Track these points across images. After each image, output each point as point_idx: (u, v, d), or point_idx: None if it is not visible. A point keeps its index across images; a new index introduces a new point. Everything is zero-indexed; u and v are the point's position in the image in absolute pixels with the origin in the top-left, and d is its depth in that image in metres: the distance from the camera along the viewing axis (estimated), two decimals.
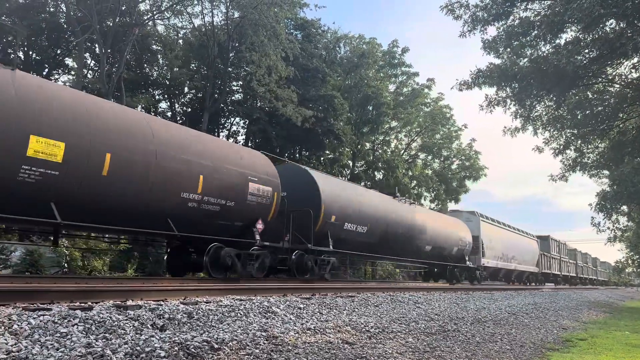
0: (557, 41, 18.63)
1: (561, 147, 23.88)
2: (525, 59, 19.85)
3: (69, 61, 27.68)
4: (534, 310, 13.81)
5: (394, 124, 41.05)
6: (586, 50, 18.32)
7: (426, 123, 42.02)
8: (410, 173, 41.58)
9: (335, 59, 35.55)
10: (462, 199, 43.80)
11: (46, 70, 26.56)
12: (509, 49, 19.90)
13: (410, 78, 40.97)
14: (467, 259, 23.87)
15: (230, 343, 4.78)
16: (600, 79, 21.11)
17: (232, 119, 32.68)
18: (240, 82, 29.88)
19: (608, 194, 21.30)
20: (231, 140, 32.51)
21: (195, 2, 26.46)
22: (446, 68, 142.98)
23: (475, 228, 25.38)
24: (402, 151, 42.79)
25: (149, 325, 5.06)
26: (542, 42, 18.86)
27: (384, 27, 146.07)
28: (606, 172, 25.33)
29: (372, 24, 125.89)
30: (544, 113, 22.69)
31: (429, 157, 44.36)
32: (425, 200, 43.87)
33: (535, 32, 18.44)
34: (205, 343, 4.58)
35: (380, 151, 40.64)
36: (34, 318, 4.41)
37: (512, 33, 19.05)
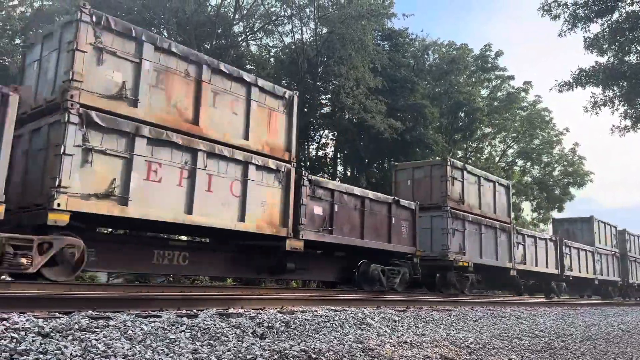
0: None
1: None
2: (635, 56, 18.34)
3: None
4: None
5: (487, 130, 39.46)
6: None
7: (523, 128, 39.96)
8: (507, 182, 39.75)
9: (423, 67, 34.98)
10: (565, 207, 40.99)
11: None
12: (614, 46, 18.50)
13: (505, 82, 39.24)
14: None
15: (327, 353, 4.82)
16: None
17: (322, 132, 33.21)
18: (329, 96, 30.34)
19: None
20: (320, 152, 33.06)
21: (286, 21, 27.38)
22: (542, 68, 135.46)
23: None
24: (497, 158, 41.01)
25: (249, 333, 5.25)
26: None
27: (475, 27, 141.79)
28: None
29: (461, 25, 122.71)
30: None
31: (528, 164, 42.06)
32: (525, 210, 41.56)
33: None
34: (303, 352, 4.66)
35: (473, 159, 39.26)
36: (145, 324, 4.73)
37: (617, 29, 17.73)
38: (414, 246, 14.11)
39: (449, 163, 16.19)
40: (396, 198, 13.81)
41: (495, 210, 18.24)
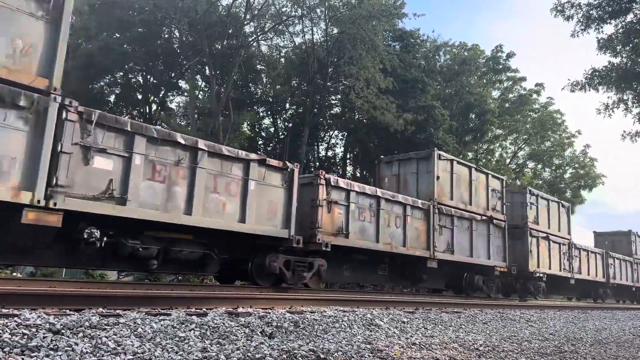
0: None
1: None
2: None
3: (182, 83, 29.92)
4: None
5: (498, 131, 39.24)
6: None
7: (534, 130, 39.69)
8: (518, 183, 39.47)
9: (434, 67, 34.88)
10: (576, 211, 40.55)
11: (162, 92, 28.88)
12: (628, 47, 18.32)
13: (517, 83, 39.00)
14: None
15: (336, 354, 4.81)
16: None
17: (331, 132, 33.22)
18: (339, 96, 30.33)
19: None
20: (330, 152, 33.08)
21: (297, 21, 27.42)
22: (552, 68, 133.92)
23: None
24: (508, 160, 40.77)
25: (258, 332, 5.25)
26: None
27: (484, 27, 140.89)
28: None
29: (469, 26, 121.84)
30: None
31: (539, 166, 41.76)
32: None
33: None
34: (311, 352, 4.65)
35: (484, 160, 39.07)
36: (155, 322, 4.75)
37: (631, 30, 17.56)
38: None
39: None
40: None
41: None
